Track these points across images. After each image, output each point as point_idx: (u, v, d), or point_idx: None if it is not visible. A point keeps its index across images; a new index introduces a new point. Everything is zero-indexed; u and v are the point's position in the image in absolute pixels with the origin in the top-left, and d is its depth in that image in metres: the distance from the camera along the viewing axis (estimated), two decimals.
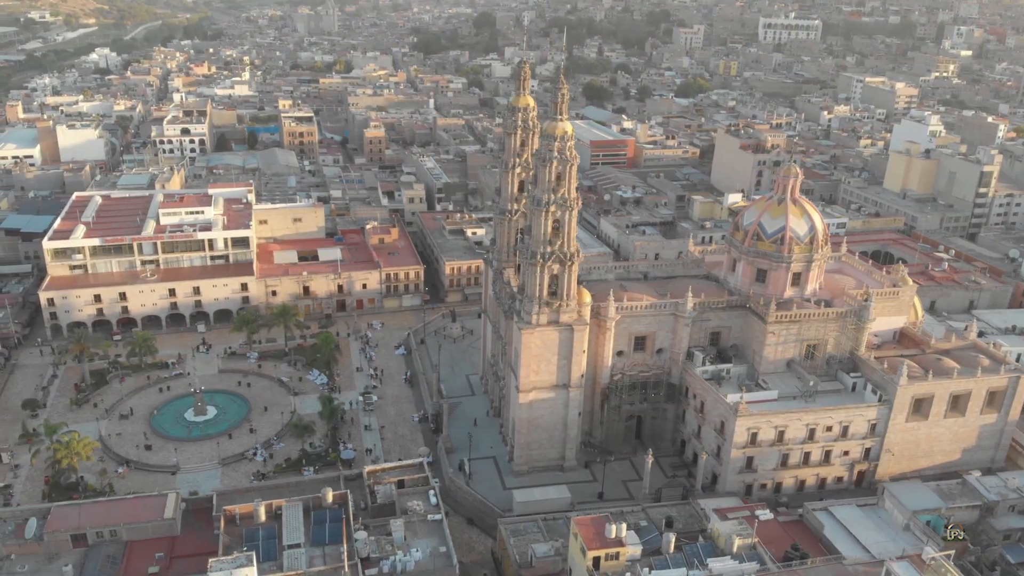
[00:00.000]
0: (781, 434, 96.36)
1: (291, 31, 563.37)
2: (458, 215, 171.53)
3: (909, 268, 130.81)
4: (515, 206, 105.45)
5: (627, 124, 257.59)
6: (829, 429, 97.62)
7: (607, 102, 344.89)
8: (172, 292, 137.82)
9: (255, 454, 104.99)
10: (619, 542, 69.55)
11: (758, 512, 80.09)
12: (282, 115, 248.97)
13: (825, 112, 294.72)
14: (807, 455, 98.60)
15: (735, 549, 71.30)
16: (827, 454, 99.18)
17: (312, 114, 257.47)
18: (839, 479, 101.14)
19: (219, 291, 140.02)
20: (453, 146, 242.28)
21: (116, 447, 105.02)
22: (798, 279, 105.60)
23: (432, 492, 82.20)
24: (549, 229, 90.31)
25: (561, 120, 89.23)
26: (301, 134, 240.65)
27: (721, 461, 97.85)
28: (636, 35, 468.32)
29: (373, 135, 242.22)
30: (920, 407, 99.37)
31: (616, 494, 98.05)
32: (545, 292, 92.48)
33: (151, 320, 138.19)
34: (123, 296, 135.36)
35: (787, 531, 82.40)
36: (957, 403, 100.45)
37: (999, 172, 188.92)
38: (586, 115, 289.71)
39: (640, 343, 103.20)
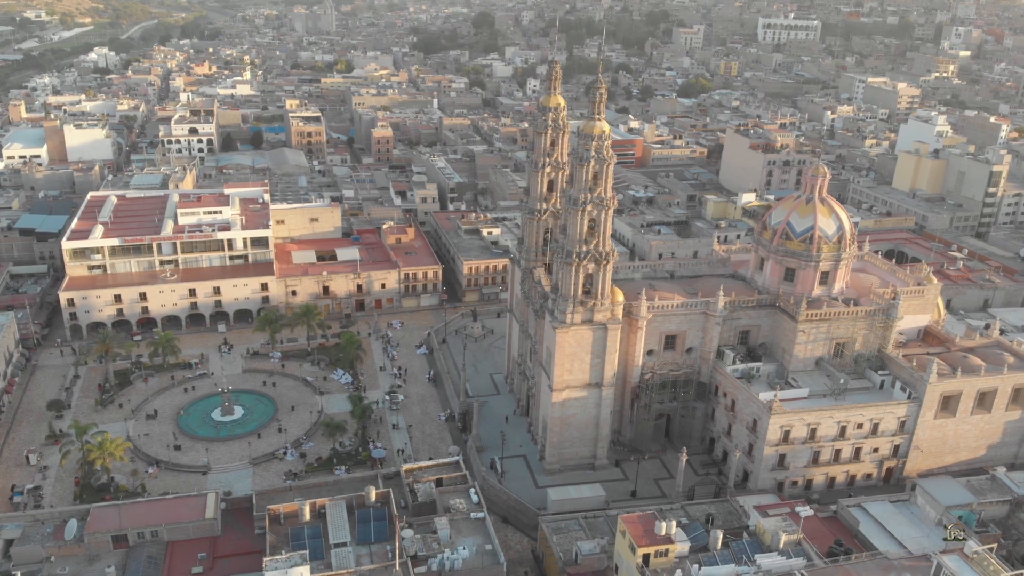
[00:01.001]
0: (813, 431, 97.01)
1: (289, 30, 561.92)
2: (473, 215, 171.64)
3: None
4: (544, 205, 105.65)
5: (634, 124, 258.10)
6: (860, 426, 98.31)
7: (610, 102, 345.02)
8: (192, 292, 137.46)
9: (285, 453, 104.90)
10: (668, 539, 69.89)
11: (798, 508, 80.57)
12: (289, 115, 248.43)
13: (829, 112, 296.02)
14: (838, 452, 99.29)
15: (781, 545, 71.72)
16: (857, 451, 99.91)
17: (319, 114, 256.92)
18: (868, 476, 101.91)
19: (239, 291, 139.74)
20: (460, 146, 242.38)
21: (145, 447, 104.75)
22: (826, 278, 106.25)
23: (473, 490, 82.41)
24: (585, 228, 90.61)
25: (599, 119, 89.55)
26: (309, 134, 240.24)
27: (753, 459, 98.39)
28: (636, 35, 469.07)
29: (381, 135, 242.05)
30: (948, 404, 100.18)
31: (649, 492, 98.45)
32: (579, 291, 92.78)
33: (171, 320, 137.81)
34: (143, 296, 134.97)
35: (825, 527, 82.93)
36: (983, 400, 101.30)
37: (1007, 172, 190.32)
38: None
39: (671, 342, 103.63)
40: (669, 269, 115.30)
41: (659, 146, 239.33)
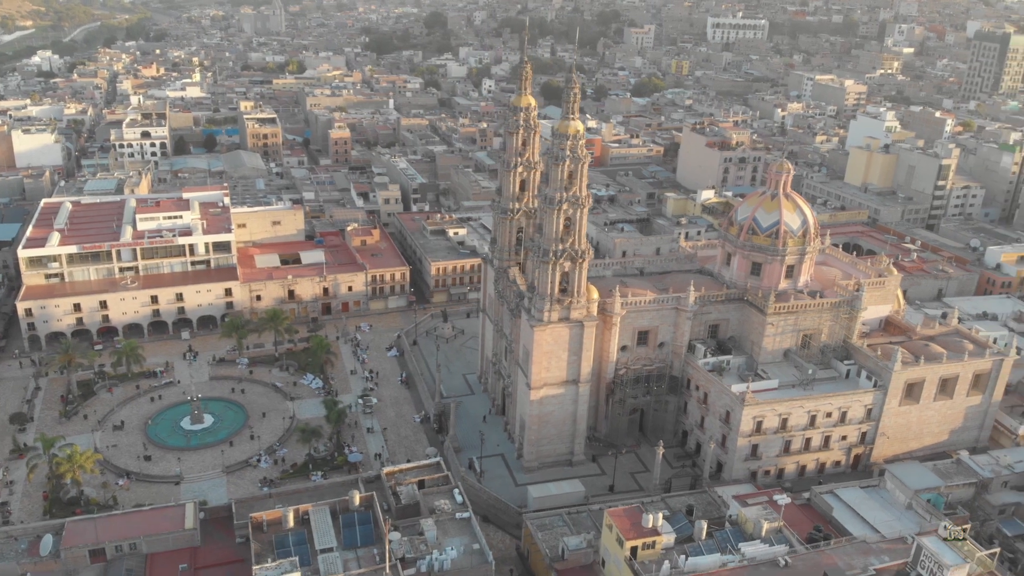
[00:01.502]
0: (784, 421, 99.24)
1: (237, 31, 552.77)
2: (438, 215, 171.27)
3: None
4: (516, 205, 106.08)
5: (591, 123, 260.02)
6: (829, 415, 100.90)
7: (565, 102, 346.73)
8: (154, 299, 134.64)
9: (259, 460, 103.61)
10: (655, 531, 70.94)
11: (776, 497, 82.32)
12: (244, 117, 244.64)
13: (779, 109, 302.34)
14: (808, 441, 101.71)
15: (764, 533, 73.32)
16: (826, 439, 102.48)
17: (275, 116, 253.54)
18: (837, 463, 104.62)
19: (203, 297, 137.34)
20: (420, 146, 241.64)
21: (114, 459, 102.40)
22: (791, 271, 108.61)
23: (457, 491, 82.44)
24: (561, 227, 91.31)
25: (573, 119, 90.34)
26: (265, 136, 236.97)
27: (727, 450, 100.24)
28: (588, 35, 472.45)
29: (339, 136, 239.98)
30: (912, 391, 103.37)
31: (626, 486, 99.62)
32: (556, 289, 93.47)
33: (132, 328, 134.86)
34: (104, 304, 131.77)
35: (801, 514, 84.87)
36: (945, 386, 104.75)
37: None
38: (548, 115, 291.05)
39: (643, 338, 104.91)
40: (639, 266, 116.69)
41: (617, 145, 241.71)
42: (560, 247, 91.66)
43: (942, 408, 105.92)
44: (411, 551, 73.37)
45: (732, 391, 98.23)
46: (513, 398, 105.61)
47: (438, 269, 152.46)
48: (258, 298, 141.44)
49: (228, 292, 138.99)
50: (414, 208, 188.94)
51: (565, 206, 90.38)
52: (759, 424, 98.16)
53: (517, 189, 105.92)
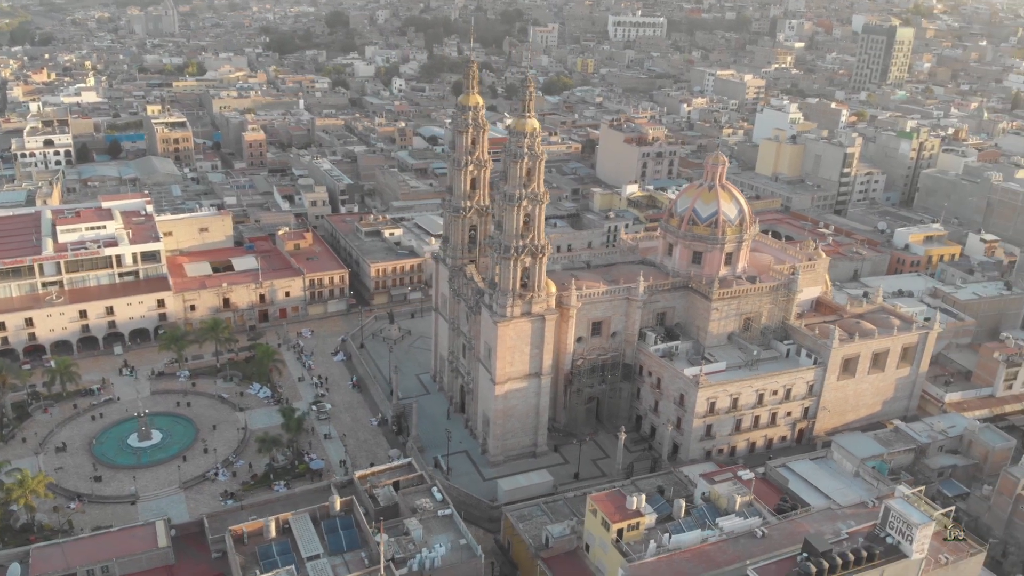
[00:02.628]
0: (735, 401, 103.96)
1: (128, 33, 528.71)
2: (371, 216, 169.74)
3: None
4: (468, 203, 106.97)
5: (509, 122, 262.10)
6: (775, 393, 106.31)
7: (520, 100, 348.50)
8: (83, 314, 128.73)
9: (217, 474, 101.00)
10: (639, 513, 73.40)
11: (740, 472, 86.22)
12: (153, 121, 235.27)
13: (685, 104, 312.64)
14: (757, 419, 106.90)
15: (737, 507, 76.91)
16: (773, 416, 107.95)
17: (185, 119, 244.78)
18: (783, 438, 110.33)
19: (134, 309, 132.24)
20: (339, 147, 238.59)
21: (63, 482, 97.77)
22: (730, 259, 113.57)
23: (436, 488, 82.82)
24: (521, 223, 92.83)
25: (529, 117, 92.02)
26: (176, 140, 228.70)
27: (683, 431, 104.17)
28: (492, 34, 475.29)
29: (253, 138, 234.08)
30: (848, 366, 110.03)
31: (589, 472, 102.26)
32: (518, 285, 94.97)
33: (61, 346, 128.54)
34: (29, 322, 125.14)
35: (764, 488, 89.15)
36: (877, 360, 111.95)
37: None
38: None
39: (597, 328, 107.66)
40: (585, 259, 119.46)
41: None
42: (520, 243, 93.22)
43: (875, 381, 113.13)
44: (399, 551, 73.41)
45: (686, 375, 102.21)
46: (474, 395, 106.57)
47: (378, 271, 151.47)
48: (192, 308, 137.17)
49: (161, 303, 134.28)
50: (343, 210, 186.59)
51: (525, 203, 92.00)
52: (712, 405, 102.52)
53: (468, 187, 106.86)
